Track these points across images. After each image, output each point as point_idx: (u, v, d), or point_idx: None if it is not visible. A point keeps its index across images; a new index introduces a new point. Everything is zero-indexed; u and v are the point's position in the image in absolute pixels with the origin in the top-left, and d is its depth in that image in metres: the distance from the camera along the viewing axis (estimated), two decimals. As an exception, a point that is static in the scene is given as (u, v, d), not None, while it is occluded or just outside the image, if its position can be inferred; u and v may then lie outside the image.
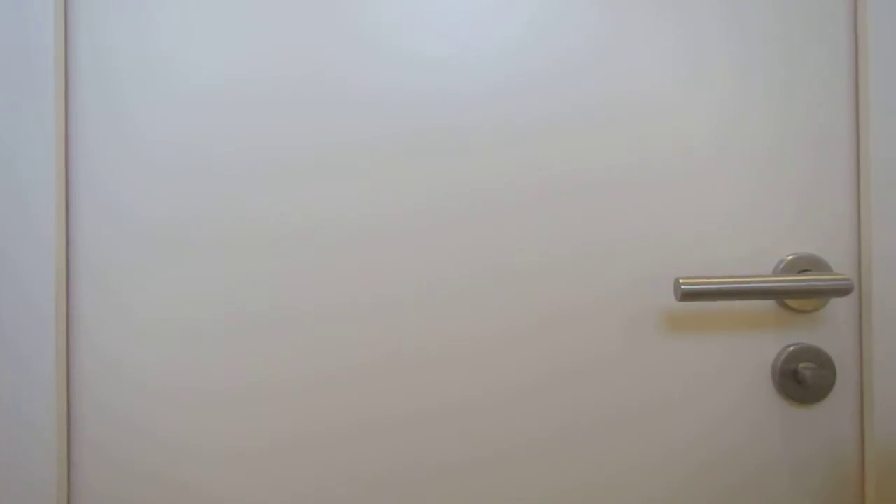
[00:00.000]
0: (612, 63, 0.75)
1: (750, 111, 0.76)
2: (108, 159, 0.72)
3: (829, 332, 0.76)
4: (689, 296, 0.68)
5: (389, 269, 0.74)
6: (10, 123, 0.69)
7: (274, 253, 0.73)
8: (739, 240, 0.75)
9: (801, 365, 0.74)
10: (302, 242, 0.73)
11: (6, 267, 0.69)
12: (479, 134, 0.74)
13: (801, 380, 0.73)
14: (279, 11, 0.73)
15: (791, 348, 0.75)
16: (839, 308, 0.76)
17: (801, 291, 0.69)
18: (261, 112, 0.73)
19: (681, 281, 0.69)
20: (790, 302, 0.75)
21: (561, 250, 0.75)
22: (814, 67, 0.76)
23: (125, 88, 0.72)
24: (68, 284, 0.72)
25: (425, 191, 0.74)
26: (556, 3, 0.75)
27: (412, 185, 0.74)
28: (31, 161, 0.69)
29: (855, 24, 0.76)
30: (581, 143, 0.75)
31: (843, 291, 0.69)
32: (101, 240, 0.72)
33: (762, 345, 0.76)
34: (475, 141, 0.74)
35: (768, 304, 0.76)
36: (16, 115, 0.69)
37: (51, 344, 0.69)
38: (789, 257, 0.75)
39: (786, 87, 0.76)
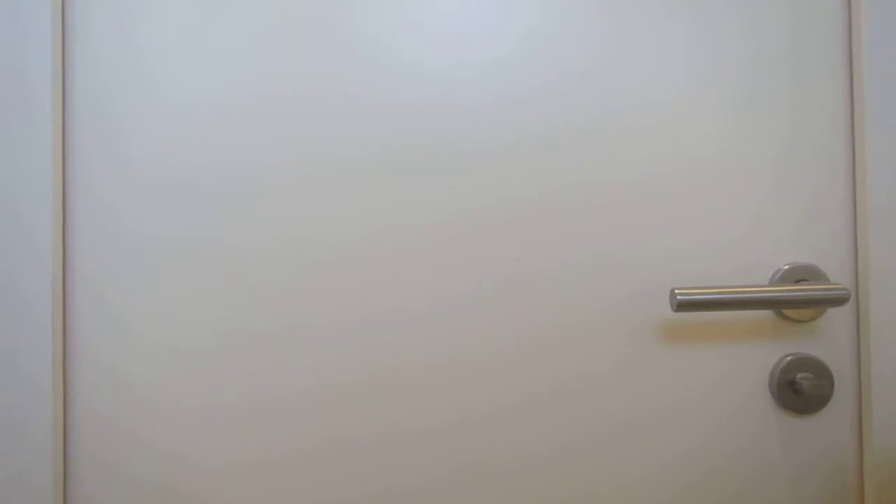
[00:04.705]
0: (612, 77, 0.75)
1: (749, 125, 0.76)
2: (104, 174, 0.73)
3: (827, 342, 0.75)
4: (684, 306, 0.68)
5: (387, 283, 0.74)
6: (7, 139, 0.70)
7: (271, 267, 0.73)
8: (738, 251, 0.75)
9: (798, 375, 0.74)
10: (300, 257, 0.73)
11: (4, 279, 0.70)
12: (478, 148, 0.75)
13: (799, 390, 0.73)
14: (275, 27, 0.74)
15: (789, 358, 0.74)
16: (837, 318, 0.76)
17: (796, 301, 0.69)
18: (257, 128, 0.73)
19: (676, 291, 0.68)
20: (787, 312, 0.75)
21: (560, 263, 0.75)
22: (815, 82, 0.76)
23: (121, 104, 0.73)
24: (65, 297, 0.72)
25: (424, 205, 0.74)
26: (559, 16, 0.75)
27: (410, 200, 0.74)
28: (28, 176, 0.70)
29: (850, 39, 0.76)
30: (581, 155, 0.75)
31: (839, 301, 0.69)
32: (97, 253, 0.72)
33: (760, 355, 0.75)
34: (474, 155, 0.74)
35: (766, 315, 0.75)
36: (12, 130, 0.70)
37: (47, 355, 0.69)
38: (786, 267, 0.74)
39: (786, 101, 0.76)
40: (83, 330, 0.72)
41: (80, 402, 0.72)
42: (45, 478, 0.69)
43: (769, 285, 0.72)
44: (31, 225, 0.70)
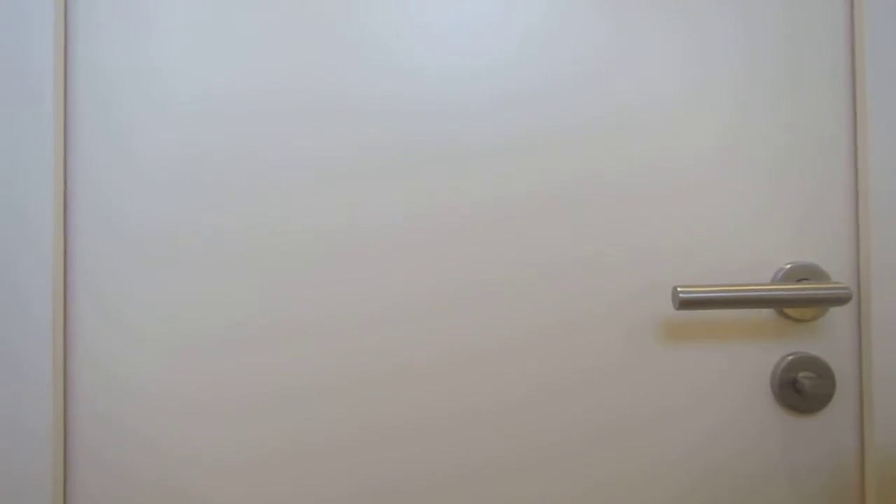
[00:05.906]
0: (610, 76, 0.75)
1: (751, 122, 0.76)
2: (105, 170, 0.72)
3: (829, 341, 0.75)
4: (686, 304, 0.68)
5: (389, 279, 0.74)
6: (8, 136, 0.70)
7: (271, 263, 0.73)
8: (740, 249, 0.75)
9: (800, 374, 0.74)
10: (299, 253, 0.73)
11: (4, 277, 0.69)
12: (478, 145, 0.74)
13: (801, 389, 0.73)
14: (275, 23, 0.74)
15: (790, 358, 0.74)
16: (838, 317, 0.76)
17: (798, 300, 0.69)
18: (257, 123, 0.73)
19: (679, 289, 0.68)
20: (789, 311, 0.75)
21: (561, 260, 0.75)
22: (816, 80, 0.76)
23: (121, 101, 0.73)
24: (65, 294, 0.72)
25: (424, 202, 0.74)
26: (557, 15, 0.75)
27: (411, 196, 0.74)
28: (29, 172, 0.70)
29: (852, 37, 0.76)
30: (582, 154, 0.75)
31: (841, 300, 0.69)
32: (98, 250, 0.72)
33: (761, 354, 0.75)
34: (474, 152, 0.74)
35: (767, 314, 0.75)
36: (15, 127, 0.70)
37: (48, 353, 0.69)
38: (788, 266, 0.74)
39: (787, 99, 0.76)
40: (83, 329, 0.72)
41: (80, 402, 0.72)
42: (45, 478, 0.69)
43: (771, 284, 0.72)
44: (32, 223, 0.69)
